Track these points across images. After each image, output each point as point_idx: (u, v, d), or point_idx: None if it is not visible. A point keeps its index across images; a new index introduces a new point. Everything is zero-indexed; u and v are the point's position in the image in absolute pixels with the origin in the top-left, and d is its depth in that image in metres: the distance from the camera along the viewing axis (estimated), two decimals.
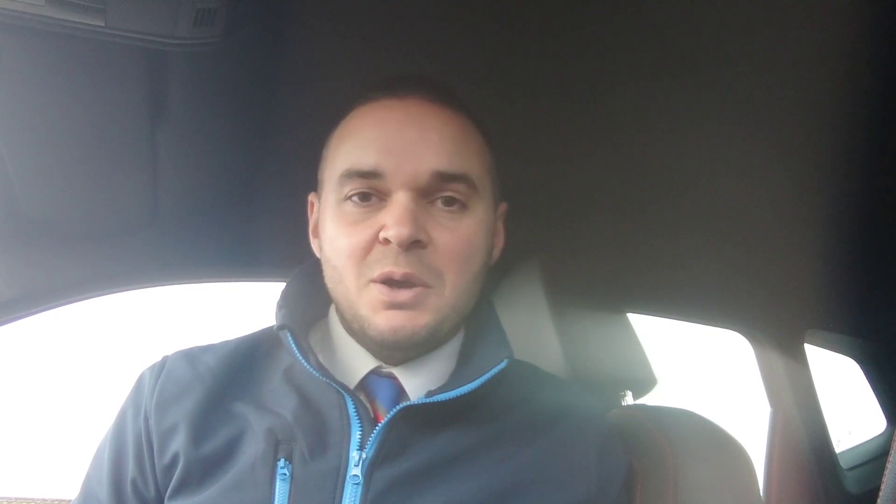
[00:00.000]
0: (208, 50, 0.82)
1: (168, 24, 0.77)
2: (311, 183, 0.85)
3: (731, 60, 1.05)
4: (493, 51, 1.05)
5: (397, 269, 0.71)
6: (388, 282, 0.72)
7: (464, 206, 0.76)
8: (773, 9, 0.96)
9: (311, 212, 0.85)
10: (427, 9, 0.98)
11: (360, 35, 1.01)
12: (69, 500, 0.83)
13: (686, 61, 1.06)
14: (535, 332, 1.08)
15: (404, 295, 0.72)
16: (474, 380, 0.75)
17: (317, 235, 0.83)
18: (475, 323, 0.83)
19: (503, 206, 0.85)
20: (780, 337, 1.71)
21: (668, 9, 0.97)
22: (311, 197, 0.86)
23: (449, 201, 0.75)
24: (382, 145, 0.74)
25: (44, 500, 1.57)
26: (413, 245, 0.72)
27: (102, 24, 0.75)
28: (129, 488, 0.77)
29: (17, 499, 1.55)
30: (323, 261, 0.80)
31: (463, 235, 0.75)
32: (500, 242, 0.85)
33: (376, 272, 0.72)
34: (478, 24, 1.01)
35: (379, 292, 0.72)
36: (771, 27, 0.98)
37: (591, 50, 1.05)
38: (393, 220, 0.71)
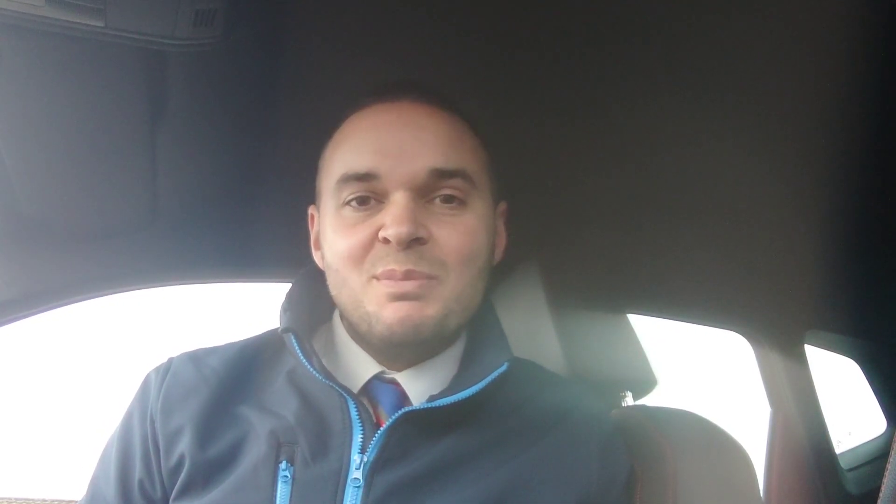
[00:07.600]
0: (207, 50, 0.83)
1: (167, 24, 0.77)
2: (311, 183, 0.85)
3: (730, 61, 1.05)
4: (493, 53, 1.05)
5: (398, 267, 0.71)
6: (392, 277, 0.72)
7: (463, 203, 0.76)
8: (774, 10, 0.95)
9: (312, 225, 0.85)
10: (427, 13, 0.98)
11: (359, 37, 1.01)
12: (69, 501, 0.83)
13: (685, 62, 1.06)
14: (535, 333, 1.08)
15: (410, 285, 0.72)
16: (475, 384, 0.74)
17: (318, 248, 0.83)
18: (477, 327, 0.83)
19: (503, 206, 0.85)
20: (780, 338, 1.70)
21: (667, 13, 0.97)
22: (311, 209, 0.86)
23: (447, 199, 0.75)
24: (377, 147, 0.74)
25: (44, 500, 1.57)
26: (413, 242, 0.72)
27: (102, 25, 0.75)
28: (136, 489, 0.77)
29: (17, 499, 1.55)
30: (326, 269, 0.79)
31: (464, 230, 0.75)
32: (501, 243, 0.85)
33: (379, 269, 0.72)
34: (478, 28, 1.01)
35: (384, 286, 0.72)
36: (773, 28, 0.98)
37: (590, 51, 1.05)
38: (391, 219, 0.71)
